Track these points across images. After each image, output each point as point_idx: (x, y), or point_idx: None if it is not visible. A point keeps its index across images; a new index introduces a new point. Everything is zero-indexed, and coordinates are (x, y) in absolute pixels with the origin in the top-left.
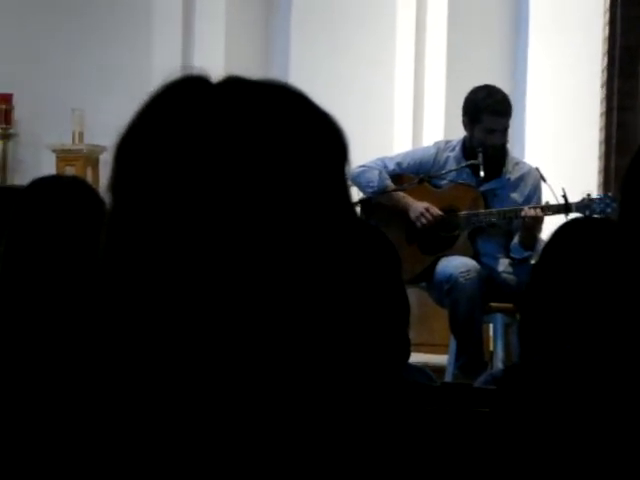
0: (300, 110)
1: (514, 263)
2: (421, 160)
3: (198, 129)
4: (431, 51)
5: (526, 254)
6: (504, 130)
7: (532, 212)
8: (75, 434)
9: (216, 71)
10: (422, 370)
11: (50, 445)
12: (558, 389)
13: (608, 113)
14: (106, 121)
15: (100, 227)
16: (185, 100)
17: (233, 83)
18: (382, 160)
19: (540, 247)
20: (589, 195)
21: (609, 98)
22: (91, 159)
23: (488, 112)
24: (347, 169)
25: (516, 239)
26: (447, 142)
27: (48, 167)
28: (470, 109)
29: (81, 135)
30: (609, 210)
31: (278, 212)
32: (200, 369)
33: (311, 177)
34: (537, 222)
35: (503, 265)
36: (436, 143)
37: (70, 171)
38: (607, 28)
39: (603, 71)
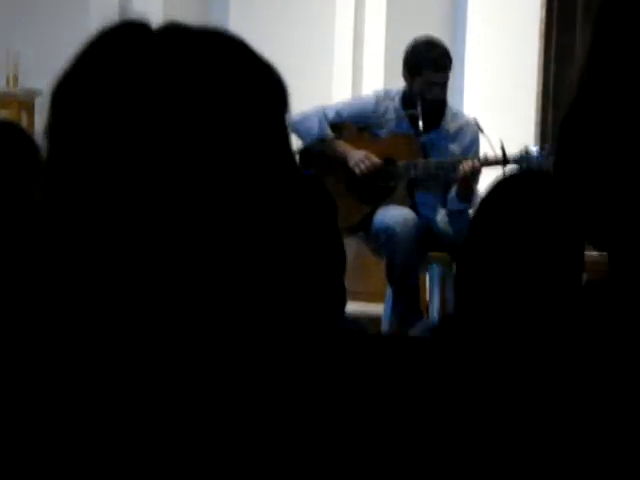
0: (240, 57)
1: (451, 214)
2: (360, 109)
3: (137, 75)
4: (371, 3)
5: (462, 206)
6: (443, 84)
7: (469, 164)
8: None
9: (154, 18)
10: (356, 322)
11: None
12: (489, 343)
13: (546, 65)
14: (41, 65)
15: (35, 173)
16: (125, 46)
17: (173, 30)
18: (322, 108)
19: (477, 199)
20: (527, 148)
21: (547, 50)
22: (26, 103)
23: (428, 66)
24: (287, 117)
25: (453, 191)
26: (387, 92)
27: None
28: (410, 62)
29: (15, 78)
30: (546, 162)
31: (217, 159)
32: (138, 319)
33: (251, 124)
34: (473, 174)
35: (440, 216)
36: (375, 92)
37: (4, 115)
38: None
39: (541, 22)
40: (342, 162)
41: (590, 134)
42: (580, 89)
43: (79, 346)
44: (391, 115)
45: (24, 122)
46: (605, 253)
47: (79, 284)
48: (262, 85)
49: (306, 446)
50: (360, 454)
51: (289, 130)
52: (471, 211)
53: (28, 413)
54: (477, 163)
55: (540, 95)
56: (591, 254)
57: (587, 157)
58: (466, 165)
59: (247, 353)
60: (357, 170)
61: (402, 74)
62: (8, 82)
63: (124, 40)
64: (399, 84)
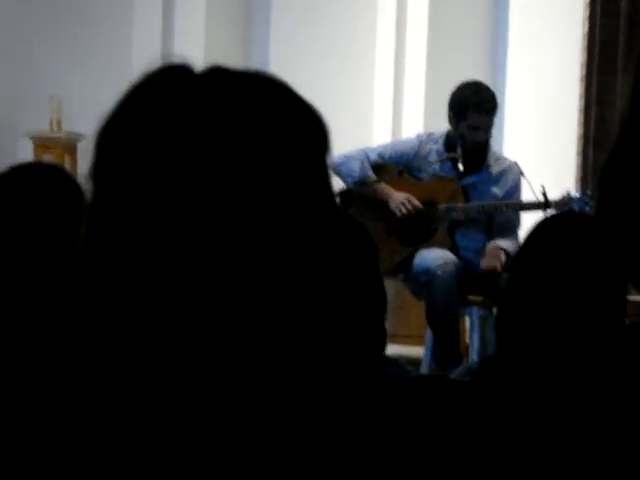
0: (283, 100)
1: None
2: (403, 151)
3: (181, 119)
4: (411, 45)
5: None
6: (488, 128)
7: (489, 266)
8: (59, 433)
9: (196, 61)
10: (397, 363)
11: (34, 445)
12: (532, 382)
13: (587, 109)
14: (85, 108)
15: (80, 216)
16: (168, 89)
17: (216, 73)
18: (364, 150)
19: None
20: (568, 193)
21: (588, 93)
22: (69, 147)
23: (474, 109)
24: (328, 159)
25: (498, 242)
26: (429, 134)
27: (25, 155)
28: (456, 105)
29: (59, 122)
30: (587, 209)
31: (261, 202)
32: (183, 361)
33: (293, 166)
34: (492, 272)
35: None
36: (419, 135)
37: (48, 158)
38: (586, 23)
39: (582, 66)
40: (383, 204)
41: (632, 177)
42: (621, 133)
43: (90, 347)
44: (434, 157)
45: (67, 165)
46: None
47: (126, 331)
48: (304, 127)
49: None
50: None
51: (331, 171)
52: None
53: (35, 415)
54: (495, 262)
55: (581, 138)
56: (635, 298)
57: (630, 201)
58: (485, 266)
59: (289, 394)
60: (398, 212)
61: (447, 117)
62: (52, 126)
63: (167, 83)
64: (438, 127)
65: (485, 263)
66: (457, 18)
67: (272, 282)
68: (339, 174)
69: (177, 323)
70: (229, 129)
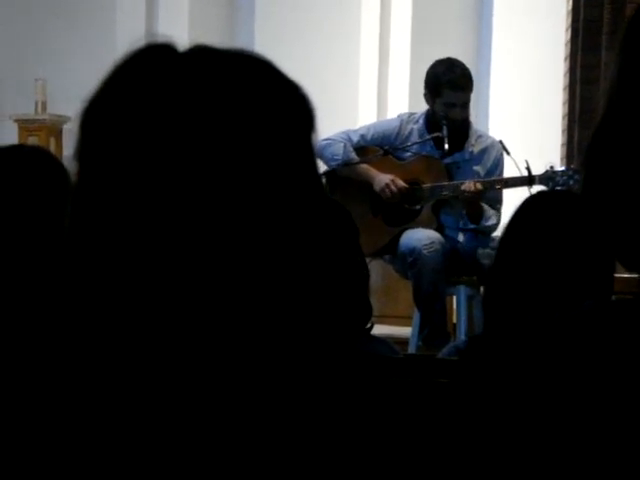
0: (267, 78)
1: (465, 233)
2: (384, 132)
3: (165, 97)
4: (396, 23)
5: (471, 226)
6: (464, 104)
7: (467, 186)
8: (53, 428)
9: (180, 39)
10: (385, 342)
11: (28, 443)
12: (519, 361)
13: (571, 86)
14: (69, 91)
15: (64, 198)
16: (151, 68)
17: (199, 51)
18: (346, 133)
19: (486, 219)
20: (552, 167)
21: (572, 71)
22: (54, 129)
23: (448, 87)
24: (314, 138)
25: (463, 212)
26: (410, 114)
27: (10, 137)
28: (430, 83)
29: (44, 105)
30: (572, 182)
31: (246, 180)
32: (167, 341)
33: (278, 144)
34: (476, 195)
35: (463, 236)
36: (399, 115)
37: (33, 141)
38: (570, 1)
39: (566, 44)
40: (368, 186)
41: (618, 154)
42: (607, 109)
43: (86, 347)
44: (415, 137)
45: (52, 147)
46: (635, 274)
47: (111, 311)
48: (289, 105)
49: (319, 468)
50: (379, 478)
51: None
52: (494, 234)
53: (35, 415)
54: (479, 185)
55: (566, 116)
56: (621, 275)
57: (616, 177)
58: (465, 186)
59: (269, 369)
60: (383, 195)
61: (424, 95)
62: (37, 109)
63: (150, 62)
64: (424, 107)
65: (465, 185)
66: None
67: (255, 260)
68: (322, 158)
69: (162, 301)
70: (213, 107)
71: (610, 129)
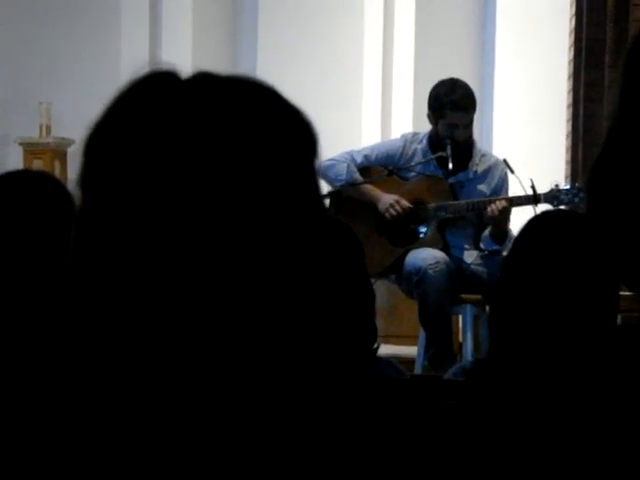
0: (271, 105)
1: (484, 255)
2: (388, 152)
3: (168, 124)
4: (399, 44)
5: (495, 247)
6: (467, 125)
7: (497, 205)
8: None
9: (184, 66)
10: (391, 363)
11: (30, 446)
12: (526, 384)
13: (575, 105)
14: (74, 114)
15: (69, 223)
16: (155, 96)
17: (202, 78)
18: (350, 153)
19: (510, 239)
20: (557, 186)
21: (576, 90)
22: (59, 152)
23: (450, 108)
24: (316, 163)
25: (487, 231)
26: (414, 134)
27: (15, 160)
28: (433, 104)
29: (48, 128)
30: (577, 200)
31: (249, 207)
32: (172, 362)
33: (282, 172)
34: (503, 214)
35: (472, 257)
36: (403, 135)
37: (38, 164)
38: (573, 20)
39: (570, 63)
40: (372, 206)
41: (622, 176)
42: (611, 131)
43: (87, 351)
44: (419, 157)
45: (57, 170)
46: None
47: (116, 334)
48: (292, 131)
49: None
50: None
51: (318, 176)
52: (505, 253)
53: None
54: (506, 203)
55: (570, 134)
56: (626, 293)
57: (619, 199)
58: (495, 205)
59: (281, 393)
60: (388, 215)
61: (427, 116)
62: (41, 132)
63: (154, 89)
64: (428, 127)
65: (490, 209)
66: (445, 14)
67: (261, 286)
68: (326, 178)
69: (166, 328)
70: (217, 134)
71: (613, 151)
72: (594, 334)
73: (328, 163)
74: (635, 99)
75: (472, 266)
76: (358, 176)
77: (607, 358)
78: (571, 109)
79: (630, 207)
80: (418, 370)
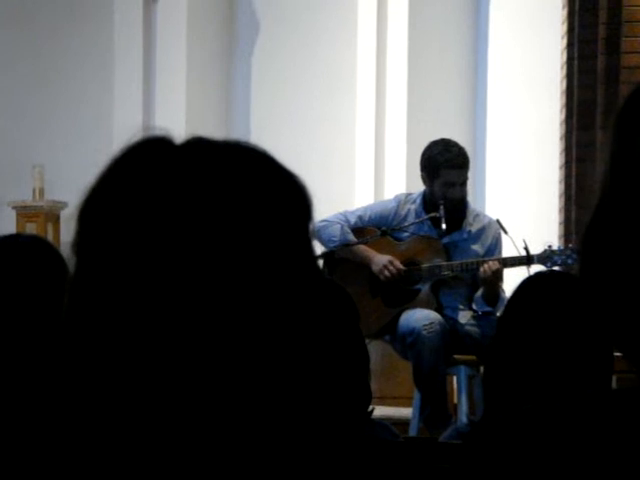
0: (264, 169)
1: (477, 315)
2: (382, 213)
3: (163, 190)
4: (391, 106)
5: (487, 308)
6: (463, 183)
7: (489, 265)
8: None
9: (177, 130)
10: (386, 426)
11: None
12: (523, 448)
13: (567, 165)
14: (67, 177)
15: (62, 288)
16: (148, 162)
17: (196, 144)
18: (343, 214)
19: (503, 301)
20: (550, 246)
21: (568, 150)
22: (51, 215)
23: (446, 166)
24: (310, 225)
25: (479, 292)
26: (407, 195)
27: (8, 224)
28: (427, 164)
29: (41, 191)
30: (570, 262)
31: (243, 272)
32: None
33: (276, 236)
34: (495, 275)
35: (466, 317)
36: (397, 196)
37: (31, 227)
38: (564, 81)
39: (561, 124)
40: (366, 267)
41: (615, 238)
42: (603, 193)
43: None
44: (412, 218)
45: (50, 233)
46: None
47: (110, 400)
48: (286, 195)
49: None
50: None
51: (312, 238)
52: (498, 314)
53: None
54: (498, 264)
55: (562, 194)
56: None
57: (613, 262)
58: (487, 266)
59: (268, 458)
60: (381, 276)
61: (421, 177)
62: (34, 195)
63: (148, 155)
64: (421, 187)
65: (482, 270)
66: (436, 75)
67: (256, 349)
68: (320, 239)
69: (159, 394)
70: (211, 200)
71: (606, 213)
72: (590, 397)
73: (321, 224)
74: (625, 161)
75: (466, 327)
76: (352, 237)
77: (604, 422)
78: (563, 170)
79: (623, 269)
80: (413, 431)
